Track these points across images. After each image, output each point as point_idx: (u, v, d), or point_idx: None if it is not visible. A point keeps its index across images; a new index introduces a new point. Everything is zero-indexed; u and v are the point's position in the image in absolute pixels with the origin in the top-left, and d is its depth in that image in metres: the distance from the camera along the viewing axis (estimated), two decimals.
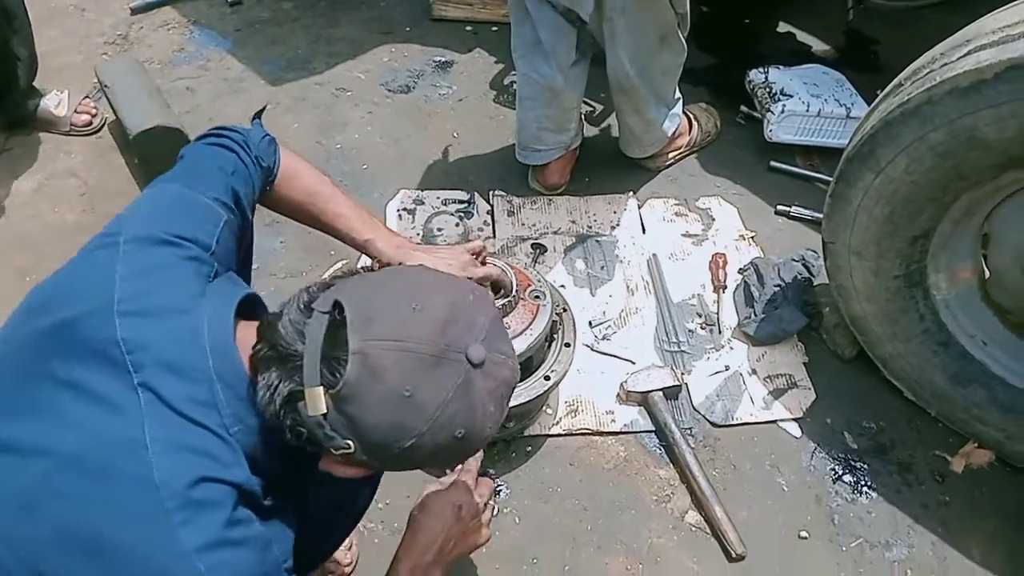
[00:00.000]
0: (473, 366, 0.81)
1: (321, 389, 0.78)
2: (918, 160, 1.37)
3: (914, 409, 1.75)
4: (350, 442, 0.79)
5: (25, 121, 2.33)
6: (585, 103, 2.49)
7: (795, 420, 1.75)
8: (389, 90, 2.56)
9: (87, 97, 2.40)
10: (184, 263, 0.91)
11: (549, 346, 1.61)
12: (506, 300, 1.47)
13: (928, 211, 1.45)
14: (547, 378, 1.56)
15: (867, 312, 1.66)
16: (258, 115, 1.29)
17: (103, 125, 2.40)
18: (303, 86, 2.55)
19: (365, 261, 1.40)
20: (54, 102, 2.33)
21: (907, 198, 1.43)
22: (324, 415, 0.78)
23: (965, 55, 1.27)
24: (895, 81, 1.43)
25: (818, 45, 2.74)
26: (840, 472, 1.66)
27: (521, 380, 1.54)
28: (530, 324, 1.51)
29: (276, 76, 2.59)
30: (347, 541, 1.46)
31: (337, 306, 0.80)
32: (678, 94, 2.17)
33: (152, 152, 2.17)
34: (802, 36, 2.78)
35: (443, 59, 2.67)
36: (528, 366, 1.55)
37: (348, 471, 0.88)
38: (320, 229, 1.27)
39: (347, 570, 1.48)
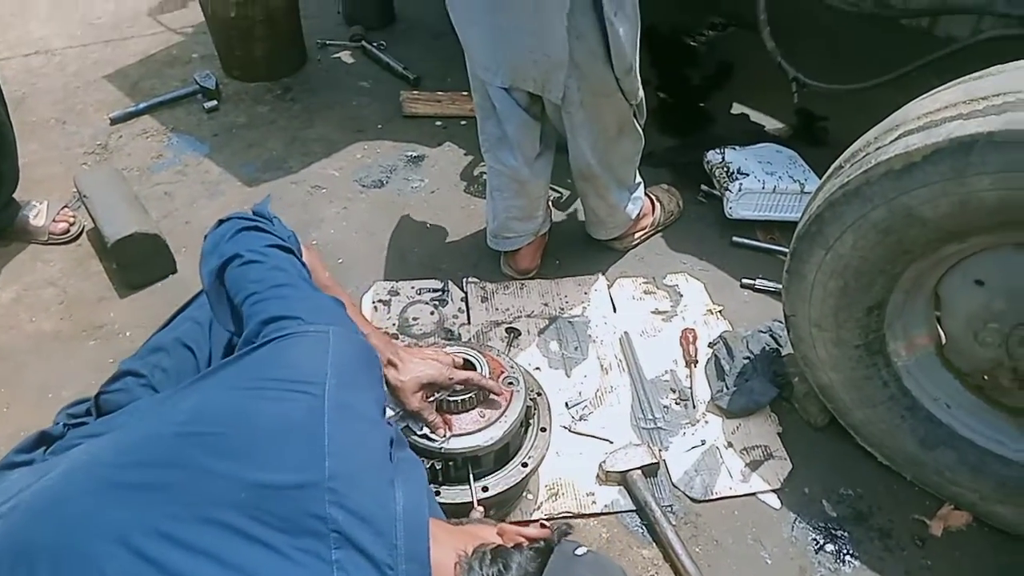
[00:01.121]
0: None
1: None
2: (863, 236, 1.44)
3: (890, 473, 1.77)
4: None
5: (3, 232, 2.37)
6: (553, 189, 2.58)
7: (774, 491, 1.76)
8: (363, 185, 2.65)
9: (66, 206, 2.46)
10: (383, 446, 0.98)
11: (525, 432, 1.63)
12: (471, 394, 1.50)
13: (879, 283, 1.52)
14: (524, 464, 1.57)
15: (833, 381, 1.71)
16: (265, 202, 1.31)
17: (81, 232, 2.45)
18: (279, 185, 2.63)
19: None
20: (33, 213, 2.39)
21: (858, 271, 1.50)
22: None
23: (895, 139, 1.36)
24: (835, 163, 1.52)
25: (771, 124, 2.88)
26: (821, 542, 1.67)
27: (498, 468, 1.56)
28: (504, 410, 1.54)
29: (253, 177, 2.67)
30: None
31: None
32: (639, 178, 2.27)
33: (129, 258, 2.22)
34: (756, 116, 2.93)
35: (414, 154, 2.78)
36: (504, 453, 1.57)
37: None
38: None
39: None
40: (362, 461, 0.93)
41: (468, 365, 1.58)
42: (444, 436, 1.47)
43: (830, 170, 1.54)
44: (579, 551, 1.02)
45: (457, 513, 1.58)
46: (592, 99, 1.90)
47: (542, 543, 1.04)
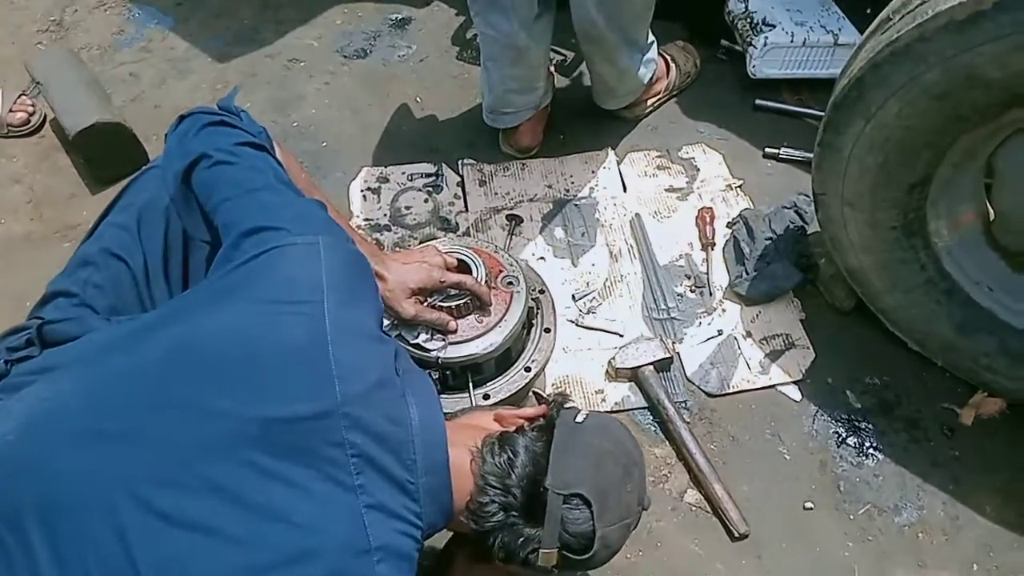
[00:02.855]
0: (645, 508, 1.10)
1: (557, 550, 0.98)
2: (911, 103, 1.24)
3: (919, 360, 1.65)
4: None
5: None
6: (555, 51, 2.33)
7: (794, 383, 1.66)
8: (345, 56, 2.40)
9: (23, 94, 2.25)
10: (389, 362, 0.94)
11: (527, 334, 1.51)
12: (467, 299, 1.37)
13: (925, 157, 1.33)
14: (527, 369, 1.47)
15: (864, 264, 1.56)
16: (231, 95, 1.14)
17: (43, 122, 2.25)
18: (253, 60, 2.39)
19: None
20: None
21: (901, 144, 1.31)
22: (555, 563, 0.98)
23: None
24: (882, 15, 1.29)
25: None
26: (844, 435, 1.59)
27: (500, 374, 1.46)
28: (504, 314, 1.41)
29: (223, 52, 2.42)
30: None
31: (578, 497, 0.98)
32: (651, 37, 2.01)
33: (95, 150, 2.04)
34: None
35: (400, 16, 2.50)
36: (507, 358, 1.45)
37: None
38: None
39: None
40: (372, 380, 0.89)
41: (462, 266, 1.44)
42: (455, 330, 1.36)
43: (874, 24, 1.31)
44: (579, 418, 1.05)
45: None
46: None
47: (542, 420, 1.07)
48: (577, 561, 1.00)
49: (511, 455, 0.99)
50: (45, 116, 2.25)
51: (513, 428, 1.06)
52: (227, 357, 0.85)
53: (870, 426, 1.60)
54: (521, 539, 0.98)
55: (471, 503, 0.97)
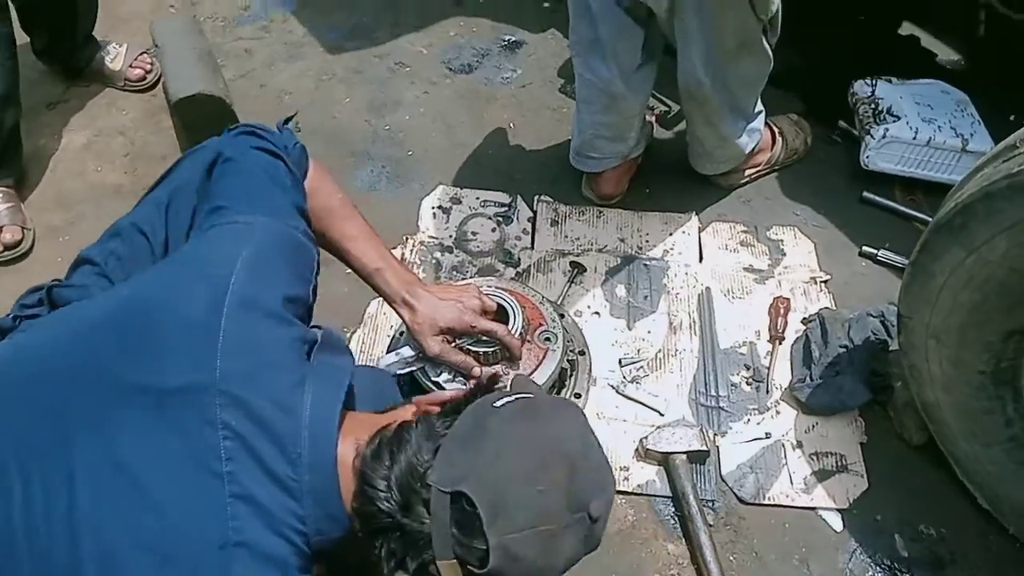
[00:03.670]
0: (594, 520, 0.84)
1: (456, 562, 0.81)
2: (1023, 246, 1.09)
3: (987, 520, 1.47)
4: None
5: (80, 71, 2.29)
6: (660, 101, 2.24)
7: (838, 511, 1.51)
8: (450, 68, 2.38)
9: (145, 52, 2.34)
10: (289, 345, 0.90)
11: (557, 394, 1.43)
12: (496, 347, 1.30)
13: None
14: None
15: (942, 402, 1.40)
16: (287, 121, 1.20)
17: (158, 81, 2.33)
18: (361, 57, 2.41)
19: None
20: (110, 55, 2.29)
21: (1004, 287, 1.15)
22: None
23: None
24: (1008, 140, 1.14)
25: (945, 54, 2.35)
26: None
27: None
28: (533, 371, 1.35)
29: (336, 44, 2.45)
30: None
31: (464, 497, 0.80)
32: (760, 106, 1.89)
33: (193, 119, 2.09)
34: (928, 41, 2.40)
35: (513, 38, 2.46)
36: None
37: None
38: (328, 249, 1.20)
39: None
40: (262, 362, 0.85)
41: (501, 311, 1.37)
42: (478, 376, 1.29)
43: (998, 147, 1.16)
44: (499, 402, 0.88)
45: None
46: (711, 3, 1.54)
47: (461, 403, 0.91)
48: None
49: (396, 447, 0.85)
50: (160, 76, 2.34)
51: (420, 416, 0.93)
52: (133, 323, 0.87)
53: None
54: (411, 548, 0.83)
55: (354, 504, 0.85)
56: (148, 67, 2.33)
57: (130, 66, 2.31)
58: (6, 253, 1.88)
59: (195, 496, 0.78)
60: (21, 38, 2.07)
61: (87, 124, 2.25)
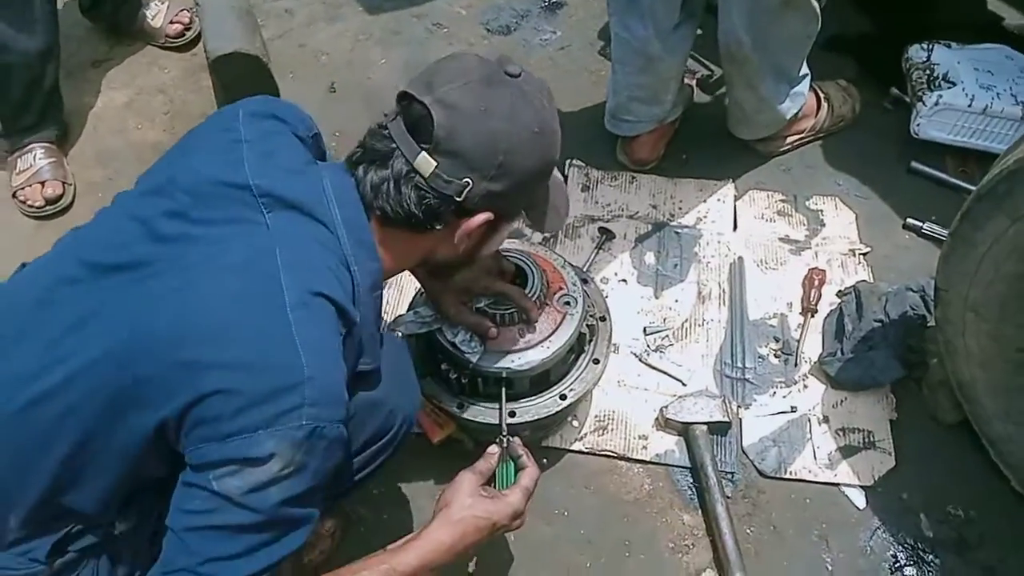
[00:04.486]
0: (514, 77, 0.98)
1: (424, 152, 0.94)
2: None
3: (1020, 504, 1.41)
4: (466, 178, 0.95)
5: (124, 28, 2.33)
6: (701, 64, 2.17)
7: (862, 488, 1.47)
8: (488, 29, 2.35)
9: (185, 9, 2.37)
10: (293, 138, 1.03)
11: (575, 360, 1.42)
12: (515, 309, 1.29)
13: None
14: (563, 397, 1.37)
15: (978, 380, 1.34)
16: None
17: (196, 39, 2.36)
18: (399, 18, 2.39)
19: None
20: (152, 12, 2.32)
21: None
22: (436, 166, 0.94)
23: None
24: None
25: (1014, 17, 2.22)
26: (903, 562, 1.39)
27: (534, 395, 1.38)
28: (550, 335, 1.32)
29: (375, 4, 2.44)
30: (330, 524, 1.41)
31: (403, 95, 0.97)
32: (805, 69, 1.81)
33: (231, 77, 2.10)
34: (994, 4, 2.26)
35: None
36: (543, 380, 1.37)
37: (471, 227, 1.00)
38: None
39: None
40: (277, 144, 1.00)
41: (519, 272, 1.36)
42: (494, 338, 1.29)
43: None
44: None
45: (478, 433, 1.45)
46: None
47: None
48: (439, 140, 0.93)
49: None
50: (199, 34, 2.36)
51: None
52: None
53: (937, 561, 1.38)
54: (391, 168, 0.96)
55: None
56: (187, 22, 2.35)
57: (170, 22, 2.33)
58: (48, 208, 1.93)
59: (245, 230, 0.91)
60: None
61: (128, 82, 2.29)
